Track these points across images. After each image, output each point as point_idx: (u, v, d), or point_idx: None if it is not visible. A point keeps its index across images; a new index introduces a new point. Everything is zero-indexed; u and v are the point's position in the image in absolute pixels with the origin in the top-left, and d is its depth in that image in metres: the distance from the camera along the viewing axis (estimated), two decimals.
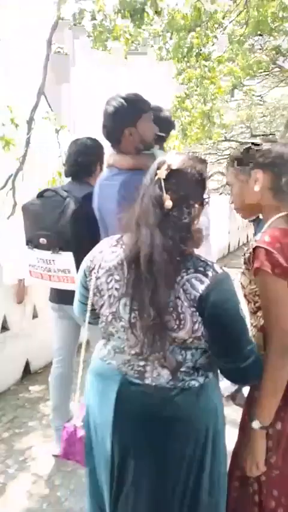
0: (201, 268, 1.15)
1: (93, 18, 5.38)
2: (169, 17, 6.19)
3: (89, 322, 1.38)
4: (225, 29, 8.87)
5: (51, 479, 2.33)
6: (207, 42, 7.02)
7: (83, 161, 2.34)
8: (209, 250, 2.89)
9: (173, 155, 1.24)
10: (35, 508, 2.13)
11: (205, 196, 1.24)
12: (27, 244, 2.24)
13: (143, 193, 1.19)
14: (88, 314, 1.36)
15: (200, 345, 1.17)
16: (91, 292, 1.30)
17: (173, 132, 8.95)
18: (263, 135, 15.65)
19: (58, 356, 2.55)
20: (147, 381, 1.19)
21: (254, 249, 1.25)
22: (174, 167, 1.17)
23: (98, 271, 1.27)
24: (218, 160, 17.05)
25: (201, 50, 6.33)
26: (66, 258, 2.12)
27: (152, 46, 7.16)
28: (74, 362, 2.59)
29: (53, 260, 2.16)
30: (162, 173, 1.16)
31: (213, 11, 6.93)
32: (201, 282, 1.13)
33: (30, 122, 6.29)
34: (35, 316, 3.50)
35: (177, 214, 1.15)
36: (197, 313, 1.12)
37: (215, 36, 7.72)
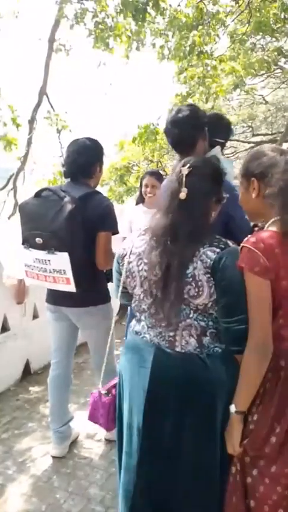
0: (216, 243, 1.38)
1: (95, 17, 5.37)
2: (171, 16, 6.16)
3: (124, 304, 1.63)
4: (227, 27, 8.86)
5: (50, 481, 2.31)
6: (209, 41, 7.00)
7: (82, 162, 2.30)
8: None
9: (197, 157, 1.49)
10: (33, 509, 2.12)
11: (222, 193, 1.47)
12: (23, 243, 2.21)
13: (167, 186, 1.45)
14: (119, 294, 1.59)
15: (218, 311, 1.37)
16: (123, 275, 1.52)
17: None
18: (265, 135, 15.63)
19: (55, 358, 2.53)
20: (177, 349, 1.40)
21: (241, 248, 1.35)
22: (195, 166, 1.41)
23: (129, 257, 1.50)
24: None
25: (203, 48, 6.29)
26: (62, 258, 2.08)
27: (154, 45, 7.12)
28: (71, 364, 2.58)
29: (49, 260, 2.12)
30: (185, 170, 1.39)
31: (215, 11, 6.91)
32: (214, 252, 1.35)
33: (31, 121, 6.31)
34: (35, 316, 3.49)
35: (192, 205, 1.37)
36: (211, 278, 1.34)
37: (217, 35, 7.71)
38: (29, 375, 3.45)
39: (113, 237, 2.30)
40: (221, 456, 1.43)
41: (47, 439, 2.64)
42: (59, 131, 5.95)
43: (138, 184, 10.90)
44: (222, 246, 1.37)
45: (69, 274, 2.10)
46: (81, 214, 2.09)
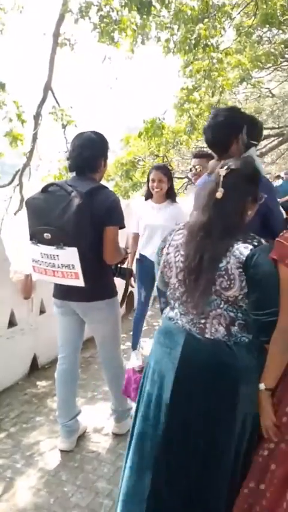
0: (249, 240, 1.46)
1: (100, 10, 5.33)
2: (176, 9, 6.10)
3: (163, 290, 1.74)
4: (233, 20, 8.77)
5: (58, 475, 2.33)
6: (215, 34, 6.93)
7: (88, 156, 2.28)
8: None
9: (235, 159, 1.58)
10: (41, 503, 2.13)
11: (258, 193, 1.55)
12: (30, 239, 2.20)
13: (206, 186, 1.57)
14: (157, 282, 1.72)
15: (248, 304, 1.45)
16: (161, 265, 1.63)
17: (181, 126, 8.90)
18: (271, 128, 15.49)
19: (62, 353, 2.54)
20: (207, 335, 1.50)
21: (276, 242, 1.47)
22: (233, 168, 1.51)
23: (168, 248, 1.62)
24: None
25: (209, 41, 6.23)
26: (71, 253, 2.08)
27: (159, 39, 7.07)
28: (79, 358, 2.58)
29: (57, 255, 2.12)
30: (223, 172, 1.50)
31: (221, 4, 6.84)
32: (248, 248, 1.43)
33: (37, 117, 6.29)
34: (42, 311, 3.50)
35: (227, 204, 1.48)
36: (243, 273, 1.42)
37: (223, 28, 7.64)
38: (36, 369, 3.46)
39: (120, 232, 2.29)
40: (236, 448, 1.51)
41: (54, 433, 2.66)
42: (64, 126, 5.93)
43: (144, 179, 10.89)
44: (256, 244, 1.45)
45: (78, 268, 2.10)
46: (88, 209, 2.09)
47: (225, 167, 1.51)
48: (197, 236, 1.51)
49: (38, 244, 2.17)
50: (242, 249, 1.43)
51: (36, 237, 2.17)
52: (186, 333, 1.54)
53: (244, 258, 1.42)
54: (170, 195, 3.47)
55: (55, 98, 6.04)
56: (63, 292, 2.37)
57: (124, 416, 2.67)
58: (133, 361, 3.57)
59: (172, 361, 1.54)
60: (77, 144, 2.32)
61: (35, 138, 6.01)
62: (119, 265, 2.49)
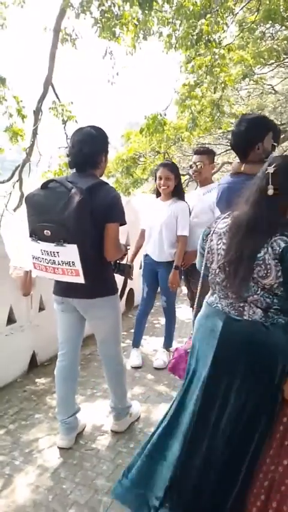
0: (286, 233, 1.56)
1: (101, 5, 5.28)
2: (178, 4, 6.05)
3: (205, 275, 1.87)
4: (235, 15, 8.71)
5: (56, 472, 2.32)
6: (218, 30, 6.87)
7: (88, 152, 2.26)
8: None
9: (281, 157, 1.67)
10: (40, 500, 2.13)
11: None
12: (30, 236, 2.19)
13: (254, 182, 1.67)
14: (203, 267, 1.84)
15: (284, 291, 1.57)
16: (206, 251, 1.79)
17: (182, 122, 8.85)
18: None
19: (62, 350, 2.53)
20: (245, 317, 1.64)
21: None
22: (280, 165, 1.60)
23: (212, 235, 1.77)
24: (227, 150, 16.86)
25: (211, 37, 6.18)
26: (71, 250, 2.07)
27: (161, 34, 7.01)
28: (79, 355, 2.57)
29: (57, 252, 2.11)
30: (271, 169, 1.59)
31: None
32: (284, 241, 1.54)
33: (37, 112, 6.26)
34: (41, 308, 3.48)
35: (277, 200, 1.58)
36: (279, 264, 1.54)
37: (226, 24, 7.58)
38: (35, 366, 3.46)
39: (120, 228, 2.28)
40: (262, 431, 1.64)
41: (53, 430, 2.65)
42: (64, 122, 5.90)
43: (145, 176, 10.83)
44: None
45: (78, 265, 2.09)
46: (89, 205, 2.07)
47: (273, 165, 1.60)
48: (241, 228, 1.63)
49: (38, 241, 2.15)
50: (280, 242, 1.54)
51: (36, 233, 2.16)
52: (226, 315, 1.69)
53: (280, 250, 1.53)
54: (177, 193, 3.43)
55: (55, 93, 6.00)
56: (63, 289, 2.35)
57: (123, 413, 2.67)
58: (133, 359, 3.56)
59: (212, 340, 1.71)
60: (77, 140, 2.29)
61: (35, 133, 5.98)
62: (118, 261, 2.48)
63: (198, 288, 1.98)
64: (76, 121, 5.98)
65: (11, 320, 3.21)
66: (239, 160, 2.20)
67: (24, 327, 3.31)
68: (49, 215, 2.10)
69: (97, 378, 3.30)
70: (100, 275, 2.28)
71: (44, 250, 2.16)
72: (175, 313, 3.64)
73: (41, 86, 6.00)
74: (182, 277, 3.59)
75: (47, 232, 2.11)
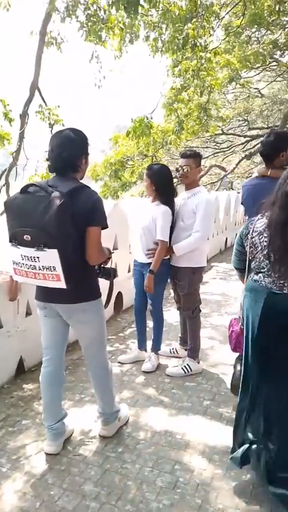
0: None
1: (87, 9, 5.29)
2: (164, 8, 6.09)
3: (238, 269, 2.42)
4: (221, 20, 8.79)
5: (44, 478, 2.30)
6: (204, 34, 6.93)
7: (68, 156, 2.24)
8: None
9: None
10: (27, 507, 2.10)
11: None
12: (10, 241, 2.15)
13: (278, 187, 2.02)
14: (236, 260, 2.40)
15: None
16: (248, 247, 2.19)
17: (169, 126, 8.88)
18: (261, 128, 15.58)
19: (47, 355, 2.51)
20: (285, 291, 2.05)
21: None
22: None
23: (252, 234, 2.15)
24: (214, 153, 16.97)
25: (197, 41, 6.22)
26: (51, 255, 2.04)
27: (147, 38, 7.04)
28: (63, 361, 2.56)
29: (38, 257, 2.08)
30: None
31: (210, 3, 6.84)
32: None
33: (23, 116, 6.23)
34: (28, 313, 3.46)
35: None
36: None
37: (212, 28, 7.64)
38: (22, 372, 3.42)
39: (106, 232, 2.27)
40: None
41: (41, 436, 2.63)
42: (51, 126, 5.88)
43: (133, 179, 10.81)
44: None
45: (59, 270, 2.06)
46: (70, 209, 2.05)
47: None
48: (277, 226, 1.98)
49: (18, 246, 2.12)
50: None
51: (16, 238, 2.12)
52: (268, 290, 2.09)
53: None
54: (160, 196, 3.39)
55: (42, 97, 5.98)
56: (45, 294, 2.33)
57: (112, 418, 2.65)
58: (146, 365, 3.55)
59: (257, 310, 2.12)
60: (56, 144, 2.26)
61: (21, 137, 5.95)
62: (102, 265, 2.45)
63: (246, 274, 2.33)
64: (63, 124, 5.96)
65: None
66: (264, 166, 2.83)
67: (11, 332, 3.28)
68: (29, 220, 2.06)
69: (85, 382, 3.28)
70: (83, 279, 2.26)
71: (24, 256, 2.12)
72: (162, 316, 3.64)
73: (27, 90, 5.98)
74: (168, 280, 3.59)
75: (26, 237, 2.07)
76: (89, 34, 5.41)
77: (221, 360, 3.79)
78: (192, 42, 6.42)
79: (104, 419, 2.64)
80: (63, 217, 2.03)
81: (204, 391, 3.23)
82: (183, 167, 3.37)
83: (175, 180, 4.14)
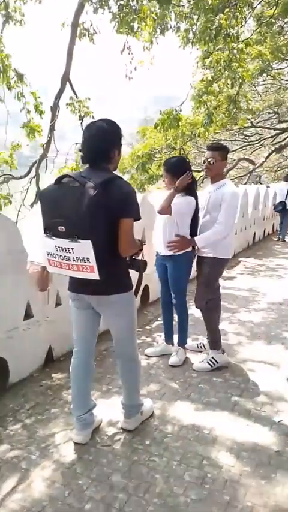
0: None
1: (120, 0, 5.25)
2: None
3: None
4: (254, 9, 8.58)
5: (73, 468, 2.32)
6: (236, 24, 6.78)
7: (101, 146, 2.24)
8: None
9: None
10: (56, 495, 2.13)
11: None
12: (45, 232, 2.17)
13: None
14: None
15: None
16: None
17: (198, 118, 8.77)
18: None
19: (77, 346, 2.53)
20: None
21: None
22: None
23: None
24: (243, 147, 16.70)
25: (230, 31, 6.10)
26: (85, 246, 2.05)
27: (178, 29, 6.95)
28: (93, 352, 2.58)
29: (72, 248, 2.09)
30: None
31: None
32: None
33: (54, 108, 6.27)
34: (58, 303, 3.49)
35: None
36: None
37: (244, 18, 7.47)
38: (51, 361, 3.47)
39: (136, 223, 2.26)
40: None
41: (69, 425, 2.66)
42: (81, 118, 5.89)
43: (159, 172, 10.77)
44: None
45: (93, 262, 2.07)
46: (103, 200, 2.04)
47: None
48: None
49: (53, 237, 2.13)
50: None
51: (50, 229, 2.13)
52: None
53: None
54: (184, 188, 3.32)
55: (73, 89, 6.00)
56: (78, 286, 2.34)
57: (134, 411, 2.64)
58: (173, 359, 3.56)
59: None
60: (89, 135, 2.26)
61: (52, 129, 5.99)
62: (133, 257, 2.45)
63: None
64: (93, 117, 5.97)
65: (28, 315, 3.22)
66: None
67: (41, 322, 3.32)
68: (63, 211, 2.07)
69: (112, 373, 3.29)
70: (114, 271, 2.26)
71: (59, 247, 2.14)
72: (186, 309, 3.60)
73: (58, 82, 6.00)
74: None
75: (61, 228, 2.08)
76: (121, 25, 5.37)
77: (249, 356, 3.74)
78: (225, 32, 6.29)
79: (127, 412, 2.64)
80: (97, 209, 2.02)
81: (231, 387, 3.20)
82: (209, 159, 3.33)
83: (202, 173, 4.09)
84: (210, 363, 3.45)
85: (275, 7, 8.39)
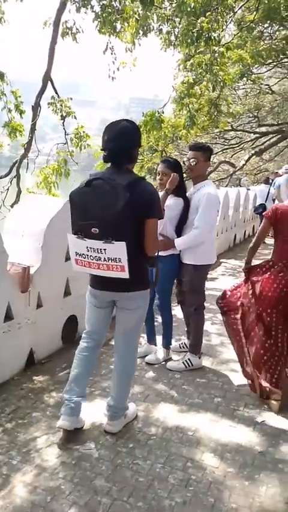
0: None
1: None
2: (179, 0, 6.01)
3: None
4: (235, 14, 8.68)
5: (55, 472, 2.27)
6: (217, 28, 6.84)
7: (126, 147, 2.32)
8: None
9: None
10: (38, 500, 2.08)
11: None
12: (76, 233, 2.25)
13: None
14: None
15: None
16: None
17: (180, 120, 8.80)
18: (271, 125, 15.43)
19: (88, 334, 2.62)
20: None
21: None
22: None
23: None
24: (223, 150, 16.85)
25: (211, 34, 6.14)
26: (119, 247, 2.15)
27: (161, 31, 6.97)
28: (101, 345, 2.70)
29: (105, 249, 2.18)
30: None
31: None
32: None
33: (36, 107, 6.19)
34: (39, 305, 3.43)
35: None
36: None
37: (225, 22, 7.54)
38: (33, 364, 3.40)
39: None
40: None
41: (51, 429, 2.61)
42: (63, 118, 5.83)
43: (142, 174, 10.78)
44: None
45: (125, 262, 2.17)
46: (132, 202, 2.13)
47: None
48: None
49: (85, 238, 2.22)
50: None
51: (82, 231, 2.22)
52: None
53: None
54: (175, 190, 3.31)
55: (54, 88, 5.93)
56: (102, 283, 2.41)
57: (119, 414, 2.62)
58: (150, 357, 3.56)
59: None
60: (114, 135, 2.33)
61: (33, 129, 5.91)
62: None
63: None
64: (75, 117, 5.92)
65: (8, 317, 3.14)
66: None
67: (22, 324, 3.25)
68: (96, 213, 2.16)
69: (95, 376, 3.25)
70: (138, 269, 2.35)
71: (91, 247, 2.23)
72: (170, 311, 3.58)
73: (39, 81, 5.92)
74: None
75: (94, 230, 2.18)
76: (103, 25, 5.34)
77: (231, 356, 3.74)
78: (206, 35, 6.33)
79: (111, 414, 2.61)
80: (128, 210, 2.12)
81: (215, 388, 3.20)
82: (191, 160, 3.29)
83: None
84: (186, 364, 3.44)
85: (255, 12, 8.51)
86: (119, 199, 2.12)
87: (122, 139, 2.31)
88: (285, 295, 2.91)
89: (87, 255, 2.26)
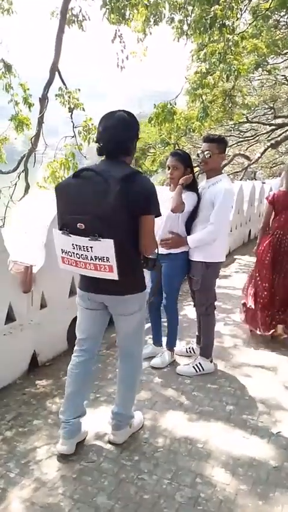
0: None
1: None
2: None
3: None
4: (250, 2, 8.39)
5: (54, 487, 2.13)
6: (232, 15, 6.57)
7: (122, 138, 2.13)
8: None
9: None
10: None
11: None
12: (61, 229, 2.06)
13: None
14: None
15: None
16: None
17: (193, 112, 8.56)
18: (287, 117, 15.03)
19: (81, 346, 2.40)
20: None
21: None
22: None
23: None
24: (238, 142, 16.52)
25: (225, 22, 5.89)
26: (107, 245, 1.94)
27: (172, 20, 6.73)
28: (96, 354, 2.49)
29: (91, 247, 1.98)
30: None
31: None
32: None
33: (43, 100, 6.03)
34: (43, 305, 3.29)
35: None
36: None
37: (240, 9, 7.27)
38: (36, 367, 3.26)
39: None
40: None
41: (53, 438, 2.47)
42: (71, 110, 5.67)
43: (154, 168, 10.57)
44: None
45: (113, 261, 1.97)
46: (126, 196, 1.94)
47: None
48: None
49: (70, 234, 2.02)
50: None
51: (68, 226, 2.03)
52: None
53: None
54: (187, 185, 3.14)
55: (62, 80, 5.76)
56: (91, 285, 2.21)
57: (124, 423, 2.46)
58: (155, 360, 3.40)
59: None
60: (109, 125, 2.14)
61: (40, 122, 5.76)
62: (146, 256, 2.33)
63: None
64: (83, 109, 5.75)
65: (10, 318, 3.01)
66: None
67: (24, 326, 3.12)
68: (83, 207, 1.98)
69: (101, 380, 3.11)
70: (132, 271, 2.16)
71: (76, 245, 2.03)
72: (176, 311, 3.41)
73: (47, 72, 5.75)
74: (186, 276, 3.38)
75: (80, 226, 1.98)
76: (111, 12, 5.14)
77: (245, 360, 3.57)
78: (220, 23, 6.08)
79: (116, 423, 2.45)
80: (121, 205, 1.92)
81: (226, 394, 3.02)
82: (205, 152, 3.11)
83: (197, 169, 3.90)
84: (196, 368, 3.26)
85: (271, 0, 8.19)
86: (111, 192, 1.91)
87: (118, 130, 2.11)
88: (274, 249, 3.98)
89: (73, 253, 2.06)
